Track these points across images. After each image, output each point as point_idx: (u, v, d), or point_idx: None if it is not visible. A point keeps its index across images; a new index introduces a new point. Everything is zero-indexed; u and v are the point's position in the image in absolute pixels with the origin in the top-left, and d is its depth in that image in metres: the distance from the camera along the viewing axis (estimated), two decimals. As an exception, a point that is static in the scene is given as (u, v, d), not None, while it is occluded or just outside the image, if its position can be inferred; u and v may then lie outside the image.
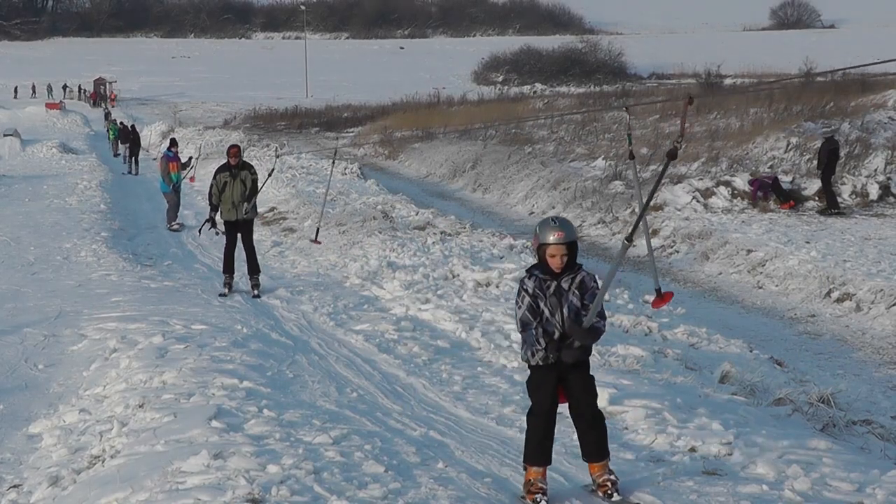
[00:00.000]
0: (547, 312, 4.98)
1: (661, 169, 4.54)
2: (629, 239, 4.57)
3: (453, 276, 11.45)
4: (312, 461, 5.28)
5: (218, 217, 11.66)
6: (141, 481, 5.09)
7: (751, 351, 9.15)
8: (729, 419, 6.34)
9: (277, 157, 18.69)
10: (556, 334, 4.98)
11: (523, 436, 6.11)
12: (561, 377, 5.02)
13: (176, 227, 17.42)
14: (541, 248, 4.97)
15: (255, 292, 11.30)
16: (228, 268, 11.49)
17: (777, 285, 13.19)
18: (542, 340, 4.96)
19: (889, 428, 7.14)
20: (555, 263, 4.94)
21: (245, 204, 11.36)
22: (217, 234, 12.18)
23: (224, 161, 11.63)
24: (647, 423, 6.25)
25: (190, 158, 20.50)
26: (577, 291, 5.01)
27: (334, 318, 9.86)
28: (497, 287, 10.77)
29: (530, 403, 5.12)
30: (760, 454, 5.66)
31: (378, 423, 6.36)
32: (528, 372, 5.14)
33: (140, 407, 6.56)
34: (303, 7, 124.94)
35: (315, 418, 6.24)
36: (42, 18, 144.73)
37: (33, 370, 8.22)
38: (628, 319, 9.68)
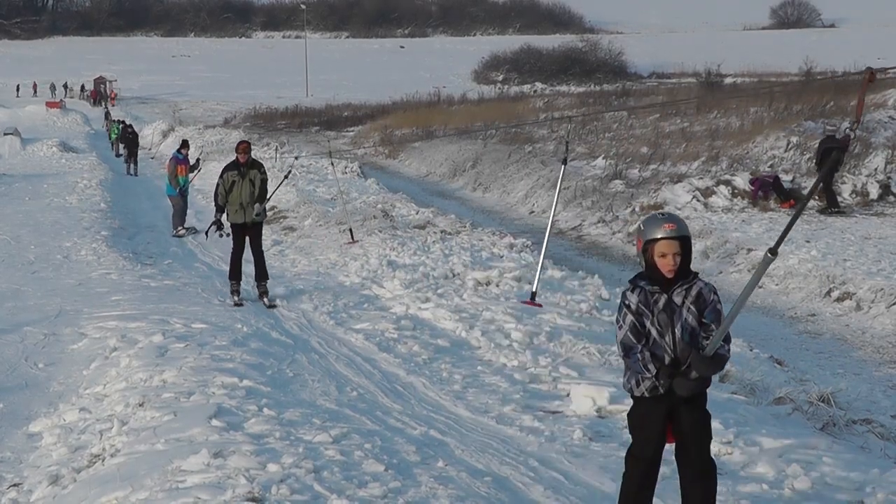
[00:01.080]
0: (655, 333, 4.10)
1: (829, 163, 4.17)
2: (773, 252, 3.66)
3: (453, 275, 11.44)
4: (312, 460, 5.28)
5: (224, 219, 10.94)
6: (141, 480, 5.09)
7: (751, 350, 9.15)
8: (729, 418, 6.34)
9: (296, 158, 18.22)
10: (668, 359, 4.09)
11: (523, 435, 6.14)
12: (670, 412, 4.16)
13: (182, 232, 16.57)
14: (648, 248, 4.12)
15: (265, 300, 10.62)
16: (235, 274, 10.76)
17: (777, 284, 13.18)
18: (650, 366, 4.07)
19: (889, 427, 7.14)
20: (667, 265, 4.08)
21: (257, 205, 10.64)
22: (221, 236, 11.30)
23: (230, 159, 11.17)
24: (648, 422, 6.24)
25: (198, 160, 19.46)
26: (692, 307, 4.11)
27: (334, 316, 9.86)
28: (497, 286, 10.76)
29: (631, 441, 4.31)
30: (760, 453, 5.67)
31: (378, 422, 6.36)
32: (631, 403, 4.32)
33: (140, 406, 6.55)
34: (303, 6, 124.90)
35: (315, 417, 6.24)
36: (42, 17, 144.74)
37: (33, 369, 8.21)
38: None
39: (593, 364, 7.75)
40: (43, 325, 9.59)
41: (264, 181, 10.82)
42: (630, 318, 4.14)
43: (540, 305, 9.23)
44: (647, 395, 4.16)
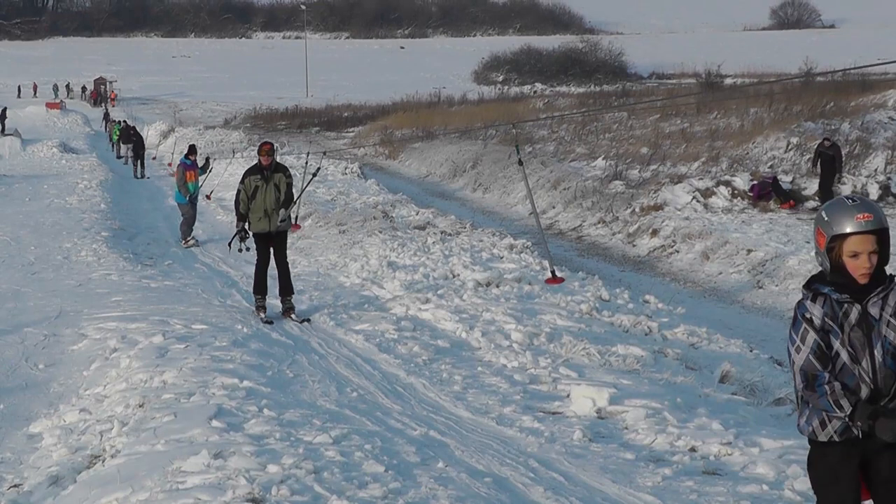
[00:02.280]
0: (846, 356, 3.21)
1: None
2: None
3: (453, 276, 11.45)
4: (312, 461, 5.28)
5: (246, 228, 9.98)
6: (141, 481, 5.09)
7: (751, 351, 9.15)
8: (729, 419, 6.35)
9: (324, 154, 17.50)
10: (865, 392, 3.18)
11: (523, 435, 6.14)
12: (864, 461, 3.26)
13: (192, 242, 15.45)
14: (833, 246, 3.20)
15: (292, 316, 9.73)
16: (260, 288, 9.88)
17: (777, 285, 13.19)
18: (844, 402, 3.14)
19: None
20: (860, 267, 3.16)
21: (282, 211, 9.73)
22: (240, 250, 10.29)
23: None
24: (648, 423, 6.25)
25: (207, 160, 18.13)
26: (893, 320, 3.20)
27: (334, 317, 9.85)
28: (497, 287, 10.77)
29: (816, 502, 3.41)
30: (760, 454, 5.67)
31: (378, 423, 6.36)
32: (809, 448, 3.43)
33: (140, 406, 6.56)
34: (303, 7, 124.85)
35: (315, 418, 6.25)
36: (42, 18, 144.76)
37: (34, 370, 8.22)
38: (628, 319, 9.68)
39: (593, 365, 7.75)
40: (43, 326, 9.59)
41: (290, 185, 9.92)
42: (812, 336, 3.25)
43: (563, 279, 9.26)
44: (836, 439, 3.25)
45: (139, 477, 5.16)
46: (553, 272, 8.80)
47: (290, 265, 10.17)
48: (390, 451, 5.67)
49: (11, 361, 8.42)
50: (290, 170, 10.43)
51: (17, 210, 19.23)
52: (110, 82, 79.75)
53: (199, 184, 16.54)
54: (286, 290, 9.89)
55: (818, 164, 18.51)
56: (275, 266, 9.94)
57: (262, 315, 9.75)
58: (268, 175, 9.76)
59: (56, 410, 7.05)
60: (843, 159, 18.55)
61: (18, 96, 76.06)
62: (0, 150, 37.30)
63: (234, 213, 10.53)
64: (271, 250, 9.92)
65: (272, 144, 10.12)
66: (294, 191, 10.36)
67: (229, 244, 10.60)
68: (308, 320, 9.62)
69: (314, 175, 12.58)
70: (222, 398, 6.53)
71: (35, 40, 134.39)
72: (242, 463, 5.18)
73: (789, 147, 21.35)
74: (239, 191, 9.88)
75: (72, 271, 12.75)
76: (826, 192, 17.73)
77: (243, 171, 10.47)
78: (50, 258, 13.70)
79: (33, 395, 7.54)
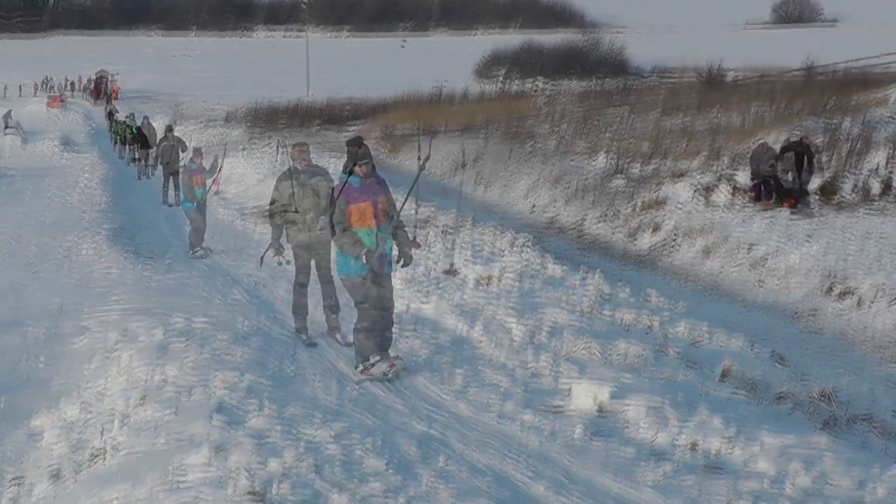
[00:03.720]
0: None
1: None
2: None
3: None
4: (313, 456, 5.28)
5: (283, 241, 9.01)
6: (142, 477, 5.10)
7: (752, 348, 9.14)
8: (730, 416, 6.34)
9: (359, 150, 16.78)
10: None
11: (524, 432, 6.14)
12: None
13: (200, 253, 14.24)
14: None
15: (338, 337, 8.69)
16: (300, 307, 8.86)
17: (778, 282, 13.18)
18: None
19: (890, 425, 7.14)
20: None
21: (321, 218, 8.45)
22: (279, 263, 9.30)
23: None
24: (649, 420, 6.25)
25: (216, 159, 16.03)
26: None
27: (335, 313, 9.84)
28: (499, 283, 10.76)
29: None
30: (761, 451, 5.67)
31: (379, 419, 6.37)
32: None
33: (141, 402, 6.56)
34: (304, 5, 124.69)
35: (316, 414, 6.24)
36: (43, 17, 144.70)
37: (34, 366, 8.22)
38: (629, 316, 9.68)
39: (594, 361, 7.75)
40: (44, 322, 9.59)
41: (330, 188, 8.48)
42: None
43: (457, 272, 9.87)
44: None
45: (140, 473, 5.16)
46: (451, 265, 8.98)
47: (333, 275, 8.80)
48: (391, 448, 5.67)
49: (12, 357, 8.43)
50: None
51: (18, 207, 19.23)
52: (113, 78, 79.33)
53: (208, 188, 15.18)
54: (332, 307, 8.84)
55: (779, 161, 18.15)
56: (318, 280, 8.94)
57: (304, 337, 8.78)
58: (304, 179, 8.74)
59: (57, 406, 7.05)
60: (816, 157, 18.07)
61: (19, 94, 76.02)
62: (1, 146, 37.30)
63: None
64: (312, 264, 8.91)
65: (307, 146, 9.10)
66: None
67: (261, 259, 9.76)
68: (352, 343, 8.28)
69: (349, 175, 11.87)
70: (223, 394, 6.53)
71: (35, 38, 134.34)
72: (243, 459, 5.18)
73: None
74: (273, 200, 8.85)
75: (72, 268, 12.75)
76: (803, 193, 17.41)
77: (276, 177, 9.38)
78: (51, 255, 13.70)
79: (34, 391, 7.54)
